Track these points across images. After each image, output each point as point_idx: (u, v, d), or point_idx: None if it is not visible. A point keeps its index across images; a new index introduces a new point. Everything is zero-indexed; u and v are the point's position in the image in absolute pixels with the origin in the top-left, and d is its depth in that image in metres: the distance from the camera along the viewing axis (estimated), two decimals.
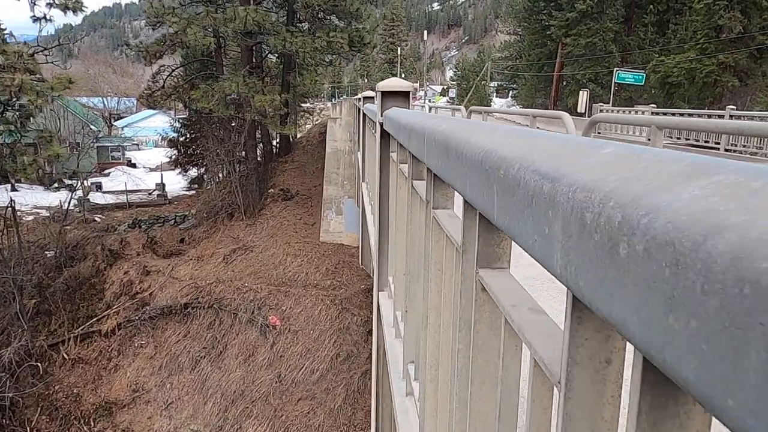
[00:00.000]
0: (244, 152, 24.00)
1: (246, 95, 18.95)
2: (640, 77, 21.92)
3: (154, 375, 18.64)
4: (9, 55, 14.29)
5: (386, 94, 4.28)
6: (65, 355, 20.08)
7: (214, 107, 19.09)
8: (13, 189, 31.56)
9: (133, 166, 46.95)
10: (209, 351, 18.41)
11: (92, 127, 41.37)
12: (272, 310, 18.74)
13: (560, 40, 46.57)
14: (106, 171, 42.67)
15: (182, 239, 25.28)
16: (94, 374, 19.56)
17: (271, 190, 24.96)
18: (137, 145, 60.64)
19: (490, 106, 66.97)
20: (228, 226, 24.32)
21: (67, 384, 19.49)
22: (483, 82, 67.05)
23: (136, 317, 20.07)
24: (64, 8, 16.38)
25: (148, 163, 48.00)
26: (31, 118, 15.28)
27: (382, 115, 4.20)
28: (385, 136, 4.46)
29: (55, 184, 19.37)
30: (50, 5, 16.41)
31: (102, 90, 75.94)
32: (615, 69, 23.72)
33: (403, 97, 4.32)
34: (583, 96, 21.73)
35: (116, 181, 37.03)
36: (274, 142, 29.62)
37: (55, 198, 28.12)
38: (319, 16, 21.22)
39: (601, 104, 21.57)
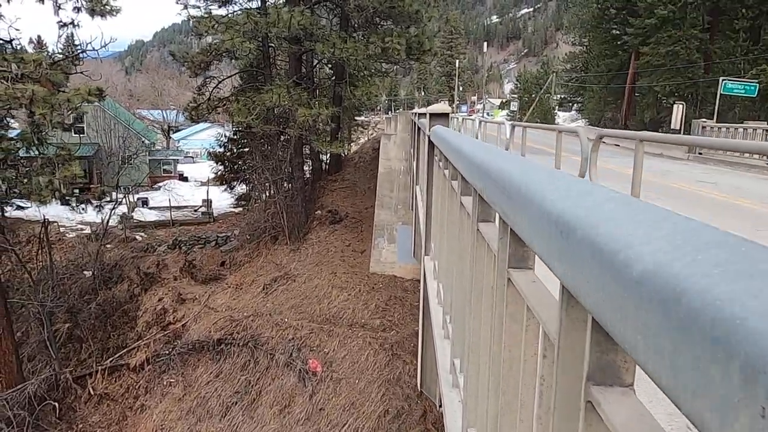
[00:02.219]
0: (290, 169, 21.99)
1: (290, 108, 16.88)
2: (752, 88, 18.62)
3: (182, 420, 16.64)
4: (27, 63, 12.76)
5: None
6: (91, 390, 18.45)
7: (252, 121, 17.11)
8: (63, 203, 30.79)
9: (185, 179, 46.22)
10: (242, 396, 16.27)
11: (144, 140, 40.76)
12: (313, 352, 16.44)
13: (635, 49, 43.06)
14: (157, 185, 42.01)
15: (223, 262, 23.47)
16: (119, 414, 17.81)
17: (318, 211, 22.83)
18: (192, 157, 60.48)
19: (553, 119, 63.39)
20: (271, 250, 22.33)
21: (90, 423, 17.81)
22: (546, 95, 63.59)
23: (167, 351, 18.24)
24: (92, 12, 14.87)
25: (200, 177, 47.14)
26: (45, 132, 13.77)
27: None
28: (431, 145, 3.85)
29: (82, 205, 17.79)
30: (77, 9, 14.94)
31: (165, 103, 77.27)
32: (721, 78, 20.38)
33: None
34: (678, 110, 18.53)
35: (165, 196, 36.05)
36: (324, 158, 27.62)
37: (105, 214, 27.02)
38: (374, 20, 19.01)
39: (703, 120, 18.17)
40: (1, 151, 12.60)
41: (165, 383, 17.86)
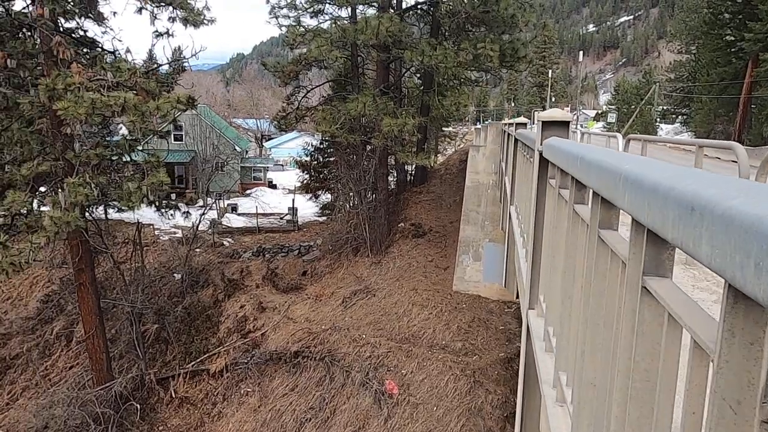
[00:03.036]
0: (373, 180, 21.51)
1: (375, 118, 16.35)
2: None
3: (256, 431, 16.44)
4: (122, 72, 13.08)
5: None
6: (173, 393, 18.75)
7: (336, 131, 16.72)
8: (159, 209, 32.09)
9: (274, 187, 47.28)
10: (316, 413, 15.80)
11: (236, 148, 42.08)
12: (390, 372, 15.70)
13: (753, 56, 39.26)
14: (247, 191, 43.22)
15: (304, 272, 23.37)
16: (198, 419, 17.92)
17: (401, 224, 22.17)
18: (282, 165, 62.04)
19: (655, 132, 59.34)
20: (352, 261, 21.92)
21: (170, 426, 18.05)
22: (648, 107, 59.67)
23: (245, 360, 18.21)
24: (185, 22, 15.16)
25: (288, 185, 48.05)
26: (140, 139, 14.10)
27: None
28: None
29: (171, 210, 18.16)
30: (172, 20, 15.29)
31: (259, 113, 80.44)
32: None
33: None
34: None
35: (254, 203, 36.86)
36: (409, 169, 26.96)
37: (195, 219, 27.86)
38: (466, 27, 18.13)
39: None
40: (96, 156, 12.99)
41: (242, 392, 17.79)
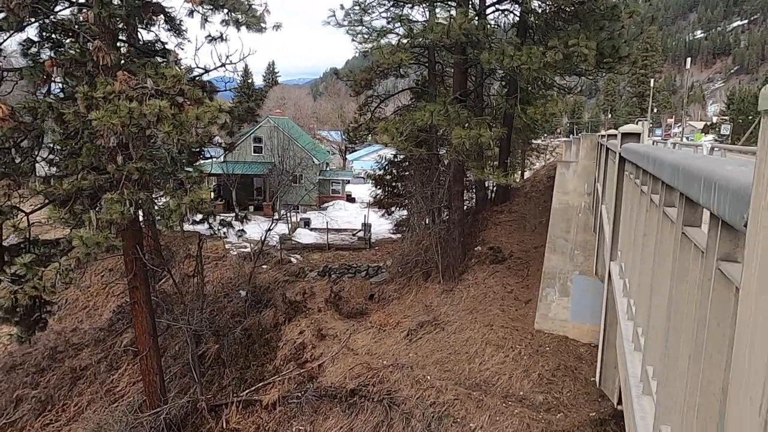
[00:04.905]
0: (447, 198, 19.37)
1: (444, 128, 14.29)
2: None
3: None
4: (167, 79, 11.98)
5: None
6: (225, 423, 17.50)
7: (400, 143, 14.81)
8: (210, 226, 31.52)
9: (352, 200, 46.14)
10: None
11: (315, 159, 41.33)
12: (456, 425, 13.44)
13: None
14: (325, 205, 42.33)
15: (371, 295, 21.59)
16: None
17: (478, 247, 19.83)
18: (363, 178, 61.16)
19: None
20: (422, 287, 19.86)
21: None
22: None
23: (299, 394, 16.60)
24: (237, 24, 13.97)
25: (366, 199, 46.80)
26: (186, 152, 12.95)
27: None
28: None
29: (224, 229, 16.99)
30: (225, 23, 14.14)
31: (345, 125, 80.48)
32: None
33: None
34: None
35: (330, 216, 35.78)
36: (490, 185, 24.52)
37: (262, 234, 26.90)
38: (556, 24, 15.67)
39: None
40: (137, 171, 11.96)
41: (294, 430, 16.18)
